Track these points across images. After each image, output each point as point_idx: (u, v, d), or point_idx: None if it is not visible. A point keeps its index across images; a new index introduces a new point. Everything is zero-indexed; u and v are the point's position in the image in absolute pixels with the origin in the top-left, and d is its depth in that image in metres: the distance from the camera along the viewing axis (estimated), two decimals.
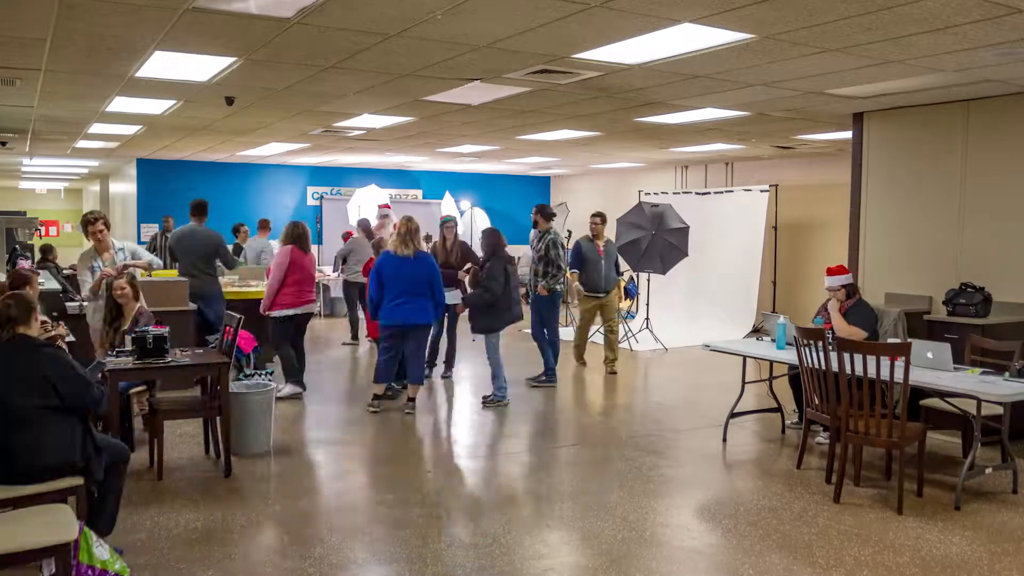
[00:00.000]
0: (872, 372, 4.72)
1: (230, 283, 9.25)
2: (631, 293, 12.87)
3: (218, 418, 5.38)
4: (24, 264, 8.41)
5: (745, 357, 6.38)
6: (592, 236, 9.19)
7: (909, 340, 4.84)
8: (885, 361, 4.74)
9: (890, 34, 4.86)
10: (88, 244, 6.93)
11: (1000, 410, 5.03)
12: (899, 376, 4.75)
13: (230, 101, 7.53)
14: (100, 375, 4.82)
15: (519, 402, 7.71)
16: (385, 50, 5.47)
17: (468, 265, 8.30)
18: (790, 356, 5.86)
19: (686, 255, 10.82)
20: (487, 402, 7.48)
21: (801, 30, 4.80)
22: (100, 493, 3.93)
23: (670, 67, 5.90)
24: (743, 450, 6.16)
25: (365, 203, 14.27)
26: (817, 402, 5.29)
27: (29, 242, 12.82)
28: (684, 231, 10.73)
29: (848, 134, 8.45)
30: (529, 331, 9.18)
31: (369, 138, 10.64)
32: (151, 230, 14.55)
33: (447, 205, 15.66)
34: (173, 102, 7.84)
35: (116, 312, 5.85)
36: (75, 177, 20.26)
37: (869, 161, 7.76)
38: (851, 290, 6.23)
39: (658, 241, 10.64)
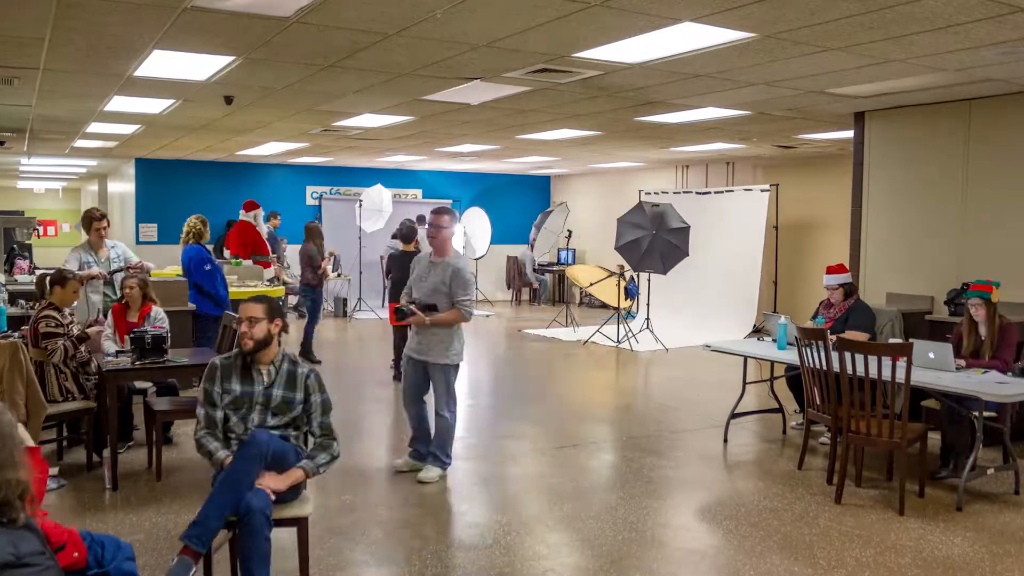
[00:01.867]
0: (873, 372, 4.69)
1: (229, 283, 9.21)
2: (631, 293, 12.84)
3: None
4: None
5: (746, 357, 6.36)
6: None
7: (911, 340, 4.82)
8: (886, 361, 4.72)
9: (891, 33, 4.84)
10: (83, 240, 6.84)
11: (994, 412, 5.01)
12: (900, 376, 4.72)
13: (229, 100, 7.51)
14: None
15: (518, 403, 7.69)
16: (384, 49, 5.45)
17: None
18: (791, 356, 5.84)
19: (687, 255, 10.80)
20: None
21: (802, 29, 4.79)
22: None
23: (671, 66, 5.88)
24: (744, 451, 6.14)
25: (371, 203, 14.24)
26: (818, 402, 5.28)
27: (27, 242, 12.79)
28: (685, 231, 10.71)
29: (849, 133, 8.43)
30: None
31: (369, 137, 10.62)
32: (150, 230, 14.51)
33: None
34: (172, 101, 7.82)
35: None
36: (73, 177, 20.23)
37: (870, 161, 7.75)
38: (849, 290, 6.21)
39: (658, 241, 10.63)
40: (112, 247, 6.71)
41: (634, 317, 12.63)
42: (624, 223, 10.98)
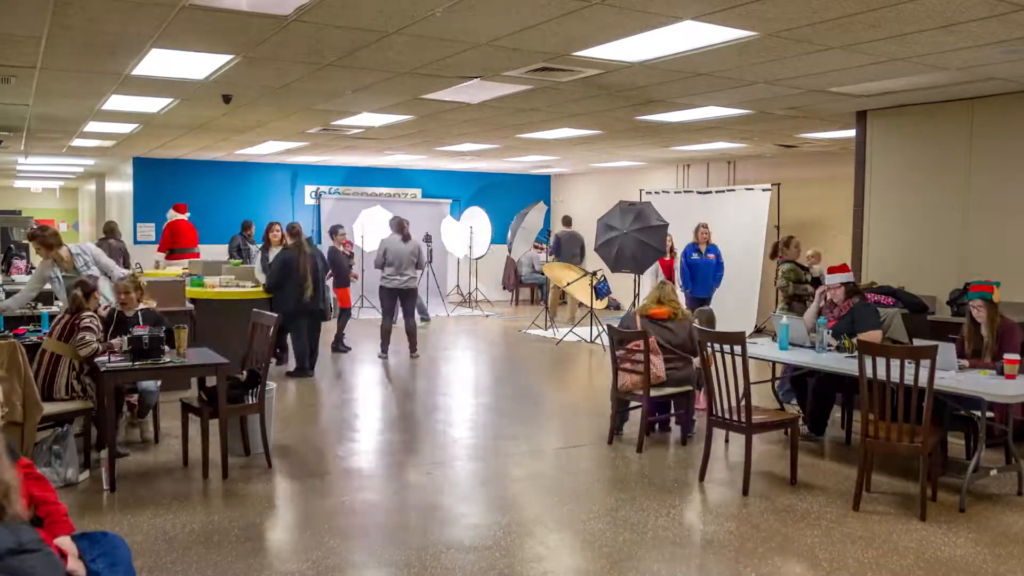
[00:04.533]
0: (882, 375, 4.61)
1: (226, 283, 9.17)
2: (601, 293, 12.76)
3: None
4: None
5: (747, 358, 6.32)
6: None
7: (935, 343, 4.73)
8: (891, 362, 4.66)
9: (893, 32, 4.82)
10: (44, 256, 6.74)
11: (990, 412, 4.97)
12: (909, 379, 4.65)
13: (227, 99, 7.48)
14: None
15: (518, 403, 7.67)
16: (384, 47, 5.42)
17: None
18: (793, 357, 5.82)
19: (663, 254, 10.69)
20: None
21: (804, 28, 4.76)
22: None
23: (671, 65, 5.85)
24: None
25: (371, 224, 14.12)
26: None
27: (24, 241, 12.77)
28: (661, 229, 10.54)
29: (851, 132, 8.41)
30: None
31: (368, 137, 10.59)
32: (148, 229, 14.46)
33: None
34: (170, 100, 7.79)
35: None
36: (71, 176, 20.17)
37: (872, 160, 7.72)
38: (851, 289, 6.16)
39: (630, 241, 10.48)
40: (77, 253, 6.68)
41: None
42: (602, 224, 10.92)
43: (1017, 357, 4.99)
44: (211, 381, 5.45)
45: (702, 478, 5.33)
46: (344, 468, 5.62)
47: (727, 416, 5.21)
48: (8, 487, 2.01)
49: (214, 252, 13.94)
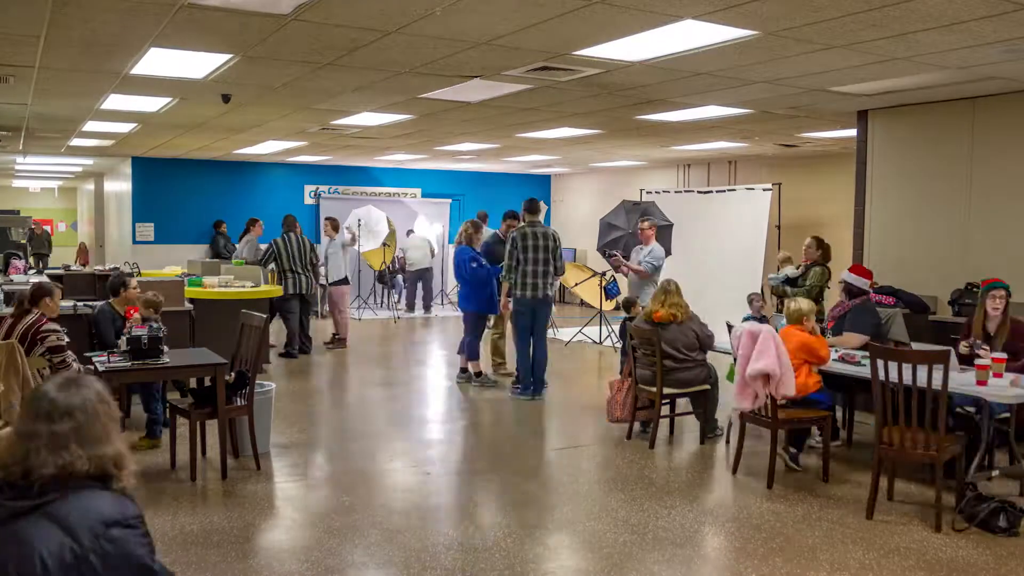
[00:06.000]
0: (892, 379, 4.57)
1: (221, 284, 9.14)
2: (611, 293, 12.73)
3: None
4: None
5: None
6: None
7: (947, 348, 4.68)
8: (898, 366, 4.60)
9: (895, 31, 4.80)
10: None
11: (1007, 413, 4.95)
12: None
13: (226, 99, 7.46)
14: None
15: (517, 403, 7.65)
16: (383, 46, 5.40)
17: None
18: None
19: (668, 254, 10.64)
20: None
21: (805, 27, 4.75)
22: None
23: (672, 64, 5.84)
24: (746, 452, 6.08)
25: (366, 221, 14.07)
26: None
27: (23, 241, 12.77)
28: (667, 229, 10.53)
29: (852, 132, 8.39)
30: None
31: (367, 136, 10.57)
32: (146, 229, 14.43)
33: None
34: (169, 100, 7.77)
35: None
36: (69, 176, 20.14)
37: (873, 159, 7.70)
38: (852, 291, 6.12)
39: (636, 241, 10.45)
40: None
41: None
42: (604, 223, 10.89)
43: (1005, 356, 4.96)
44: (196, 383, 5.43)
45: (735, 471, 5.46)
46: (343, 468, 5.60)
47: (755, 411, 5.30)
48: (119, 454, 1.95)
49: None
